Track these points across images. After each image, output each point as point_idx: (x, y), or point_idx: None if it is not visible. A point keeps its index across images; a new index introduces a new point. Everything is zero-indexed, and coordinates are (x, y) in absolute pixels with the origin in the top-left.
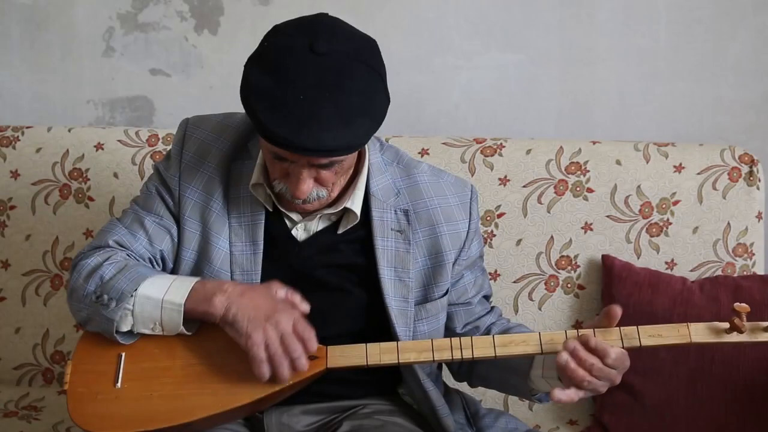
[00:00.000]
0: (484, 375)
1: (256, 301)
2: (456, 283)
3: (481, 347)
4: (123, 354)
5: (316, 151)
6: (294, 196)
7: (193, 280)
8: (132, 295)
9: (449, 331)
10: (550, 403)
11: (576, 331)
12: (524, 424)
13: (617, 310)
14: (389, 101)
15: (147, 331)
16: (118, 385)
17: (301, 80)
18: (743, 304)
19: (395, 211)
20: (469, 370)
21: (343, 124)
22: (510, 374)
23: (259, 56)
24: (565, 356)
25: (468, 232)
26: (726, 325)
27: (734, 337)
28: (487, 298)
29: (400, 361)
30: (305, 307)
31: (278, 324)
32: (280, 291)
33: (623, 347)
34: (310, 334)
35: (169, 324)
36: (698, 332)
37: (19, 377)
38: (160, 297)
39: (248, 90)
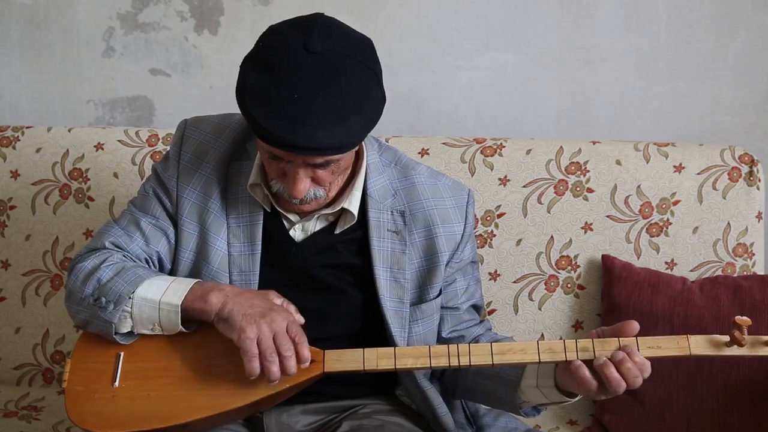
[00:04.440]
0: (471, 386)
1: (253, 300)
2: (447, 287)
3: (478, 355)
4: (121, 353)
5: (310, 150)
6: (291, 195)
7: (192, 281)
8: (130, 297)
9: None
10: (537, 416)
11: (574, 341)
12: (524, 424)
13: (634, 327)
14: (385, 100)
15: (147, 332)
16: (116, 384)
17: (296, 78)
18: (744, 318)
19: (392, 212)
20: (453, 380)
21: (337, 122)
22: (498, 385)
23: (254, 56)
24: (603, 358)
25: (463, 236)
26: (726, 338)
27: (734, 351)
28: (477, 308)
29: (397, 366)
30: (300, 318)
31: (273, 322)
32: (277, 299)
33: None
34: (303, 339)
35: (167, 325)
36: (698, 345)
37: (19, 377)
38: (157, 299)
39: (243, 89)
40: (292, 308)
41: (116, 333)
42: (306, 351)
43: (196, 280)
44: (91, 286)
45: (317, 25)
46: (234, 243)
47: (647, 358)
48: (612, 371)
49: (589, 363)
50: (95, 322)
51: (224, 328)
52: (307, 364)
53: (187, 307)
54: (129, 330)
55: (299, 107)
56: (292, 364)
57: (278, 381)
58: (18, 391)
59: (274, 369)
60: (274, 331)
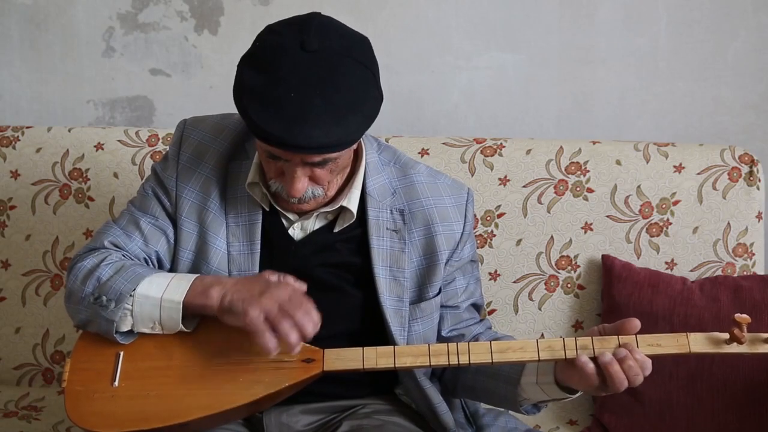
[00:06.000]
0: (471, 384)
1: (250, 284)
2: (447, 285)
3: (477, 353)
4: (121, 353)
5: (307, 148)
6: (289, 194)
7: (192, 277)
8: (131, 295)
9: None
10: (537, 415)
11: (573, 339)
12: (524, 424)
13: (636, 325)
14: (382, 98)
15: (146, 331)
16: (116, 383)
17: (292, 78)
18: (744, 315)
19: (391, 210)
20: (454, 379)
21: (334, 121)
22: (498, 382)
23: (251, 55)
24: (609, 355)
25: (462, 234)
26: (726, 335)
27: (734, 348)
28: (477, 307)
29: (397, 365)
30: (301, 286)
31: (273, 295)
32: (273, 276)
33: None
34: (309, 304)
35: (168, 323)
36: (697, 342)
37: (19, 377)
38: (158, 296)
39: (240, 89)
40: (290, 279)
41: (116, 332)
42: (315, 312)
43: (196, 276)
44: (91, 285)
45: (314, 24)
46: (233, 242)
47: (647, 356)
48: (616, 368)
49: (593, 359)
50: (96, 321)
51: (230, 319)
52: (317, 327)
53: (189, 303)
54: (129, 329)
55: (296, 106)
56: (308, 325)
57: (299, 350)
58: (18, 391)
59: (292, 335)
60: (278, 302)
